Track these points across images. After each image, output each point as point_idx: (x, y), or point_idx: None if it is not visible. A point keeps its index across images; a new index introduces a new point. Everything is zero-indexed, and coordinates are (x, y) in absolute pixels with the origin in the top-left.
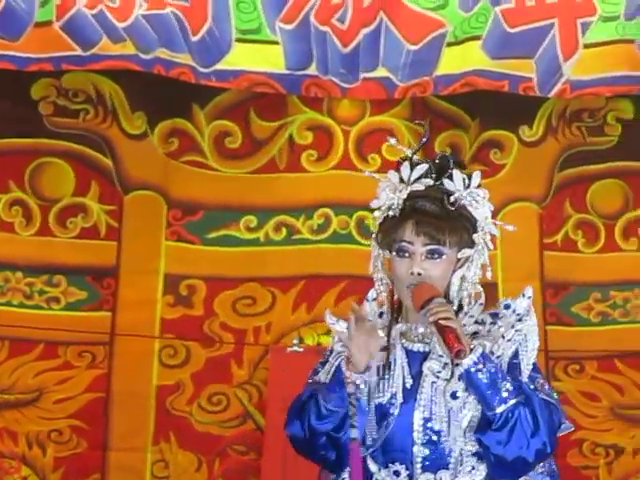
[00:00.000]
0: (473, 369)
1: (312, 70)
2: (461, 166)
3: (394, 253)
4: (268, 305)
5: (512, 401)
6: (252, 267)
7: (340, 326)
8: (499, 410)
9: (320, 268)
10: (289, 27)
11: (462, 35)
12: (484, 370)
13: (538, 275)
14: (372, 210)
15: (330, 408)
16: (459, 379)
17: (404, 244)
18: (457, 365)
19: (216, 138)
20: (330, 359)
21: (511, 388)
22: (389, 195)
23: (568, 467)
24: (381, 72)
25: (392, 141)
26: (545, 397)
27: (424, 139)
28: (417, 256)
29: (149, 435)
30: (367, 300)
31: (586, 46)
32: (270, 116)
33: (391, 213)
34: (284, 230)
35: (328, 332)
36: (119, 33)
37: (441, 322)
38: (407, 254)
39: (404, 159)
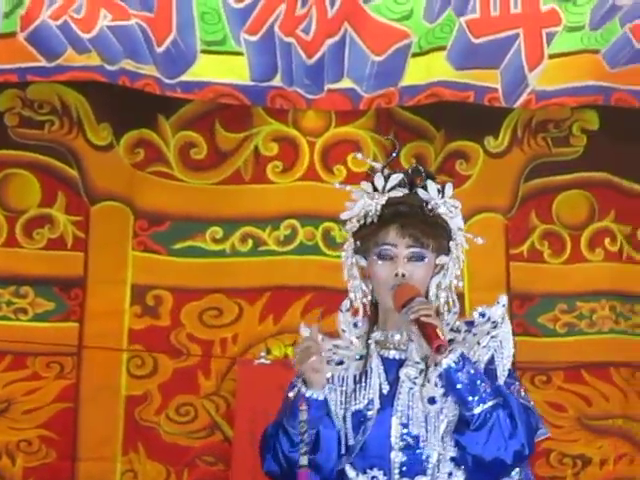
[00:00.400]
0: (453, 369)
1: (277, 81)
2: (432, 178)
3: (375, 257)
4: (235, 316)
5: (490, 402)
6: (218, 278)
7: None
8: (477, 411)
9: (286, 279)
10: (254, 38)
11: (427, 46)
12: (463, 370)
13: (504, 285)
14: (340, 221)
15: (302, 431)
16: (436, 384)
17: (387, 247)
18: (436, 365)
19: (181, 149)
20: None
21: (489, 389)
22: (366, 202)
23: (536, 477)
24: (346, 83)
25: (358, 156)
26: (522, 401)
27: (394, 153)
28: (400, 259)
29: (118, 445)
30: (341, 311)
31: (551, 56)
32: (235, 127)
33: (369, 220)
34: (250, 241)
35: (295, 343)
36: (84, 44)
37: (422, 319)
38: (390, 257)
39: (372, 170)
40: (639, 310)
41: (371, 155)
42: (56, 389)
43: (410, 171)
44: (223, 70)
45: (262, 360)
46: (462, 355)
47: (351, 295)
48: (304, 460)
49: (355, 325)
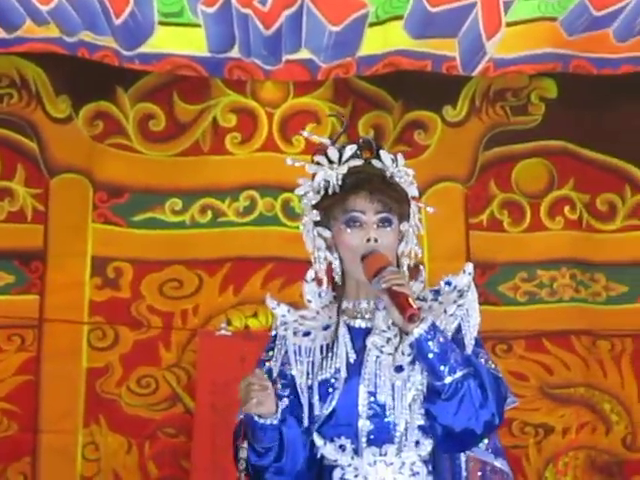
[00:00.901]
0: (424, 337)
1: (235, 53)
2: (381, 147)
3: (342, 226)
4: (195, 288)
5: (461, 372)
6: (178, 250)
7: (281, 309)
8: (448, 380)
9: (246, 250)
10: (211, 10)
11: (384, 15)
12: (435, 339)
13: (464, 255)
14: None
15: (265, 446)
16: (403, 353)
17: (356, 214)
18: (407, 334)
19: (140, 121)
20: (277, 345)
21: (460, 359)
22: (327, 172)
23: None
24: (304, 54)
25: (305, 134)
26: (492, 370)
27: (342, 129)
28: (370, 225)
29: (79, 417)
30: (306, 281)
31: (509, 24)
32: (193, 99)
33: (331, 190)
34: (210, 213)
35: (255, 314)
36: (42, 16)
37: (394, 288)
38: (359, 224)
39: (322, 146)
40: (599, 278)
41: (329, 125)
42: (17, 362)
43: (361, 142)
44: (181, 42)
45: (223, 331)
46: (433, 324)
47: (315, 266)
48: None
49: (319, 295)
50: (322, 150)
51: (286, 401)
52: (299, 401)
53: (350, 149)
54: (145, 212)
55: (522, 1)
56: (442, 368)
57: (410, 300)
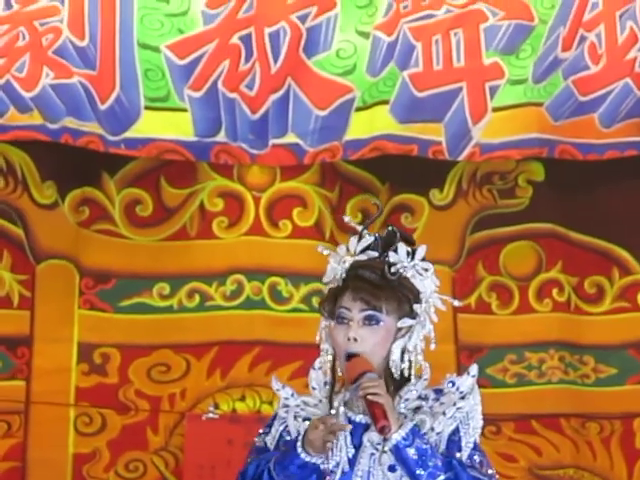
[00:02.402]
0: (402, 444)
1: (221, 137)
2: (408, 241)
3: (334, 321)
4: (182, 372)
5: (441, 477)
6: (165, 334)
7: (285, 392)
8: None
9: (233, 334)
10: (197, 94)
11: (370, 100)
12: (413, 446)
13: (452, 338)
14: (285, 276)
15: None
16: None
17: (343, 310)
18: (385, 440)
19: (127, 206)
20: (275, 424)
21: (440, 464)
22: (334, 266)
23: None
24: (290, 138)
25: (346, 219)
26: (477, 474)
27: (375, 215)
28: (354, 322)
29: None
30: (314, 369)
31: (495, 109)
32: (180, 183)
33: (335, 284)
34: (197, 297)
35: (243, 398)
36: (26, 103)
37: (369, 397)
38: (345, 320)
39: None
40: (588, 360)
41: (316, 210)
42: (3, 448)
43: (385, 233)
44: (167, 126)
45: (210, 414)
46: (412, 430)
47: (321, 356)
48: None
49: (326, 384)
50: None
51: None
52: None
53: (366, 241)
54: (132, 297)
55: (508, 86)
56: (421, 473)
57: (383, 411)
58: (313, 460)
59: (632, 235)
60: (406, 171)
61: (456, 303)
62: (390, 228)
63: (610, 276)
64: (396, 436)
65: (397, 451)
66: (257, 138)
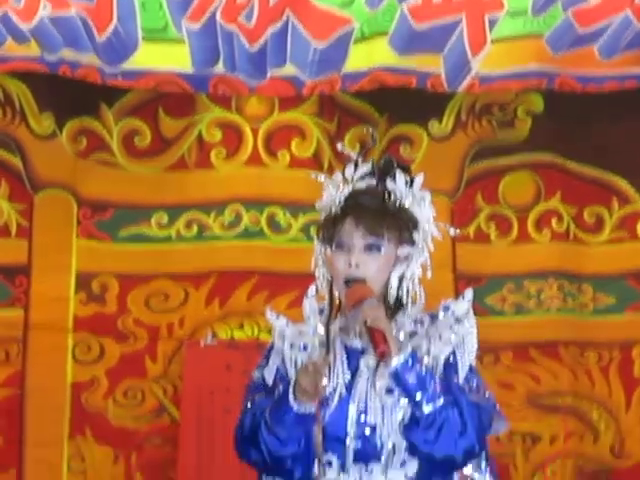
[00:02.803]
0: (401, 369)
1: (219, 68)
2: (405, 170)
3: (334, 247)
4: (181, 301)
5: (440, 401)
6: (164, 264)
7: (280, 321)
8: (427, 410)
9: (232, 264)
10: (195, 26)
11: (369, 32)
12: (412, 370)
13: (450, 266)
14: (284, 206)
15: (287, 434)
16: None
17: (343, 238)
18: (385, 364)
19: (125, 137)
20: (272, 355)
21: (439, 389)
22: (331, 193)
23: None
24: (289, 70)
25: (340, 146)
26: (475, 399)
27: (370, 143)
28: (355, 249)
29: (65, 430)
30: (307, 296)
31: (494, 41)
32: (178, 114)
33: (333, 210)
34: (195, 227)
35: (241, 326)
36: (23, 34)
37: (370, 323)
38: (345, 248)
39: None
40: (587, 289)
41: (314, 140)
42: (2, 376)
43: (382, 161)
44: (165, 58)
45: (209, 341)
46: (411, 355)
47: (317, 282)
48: None
49: (321, 312)
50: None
51: None
52: None
53: (364, 168)
54: (130, 227)
55: (507, 18)
56: (420, 398)
57: (383, 336)
58: (305, 410)
59: (631, 165)
60: (405, 103)
61: (452, 231)
62: (387, 156)
63: (609, 206)
64: (395, 361)
65: (396, 376)
66: (255, 69)
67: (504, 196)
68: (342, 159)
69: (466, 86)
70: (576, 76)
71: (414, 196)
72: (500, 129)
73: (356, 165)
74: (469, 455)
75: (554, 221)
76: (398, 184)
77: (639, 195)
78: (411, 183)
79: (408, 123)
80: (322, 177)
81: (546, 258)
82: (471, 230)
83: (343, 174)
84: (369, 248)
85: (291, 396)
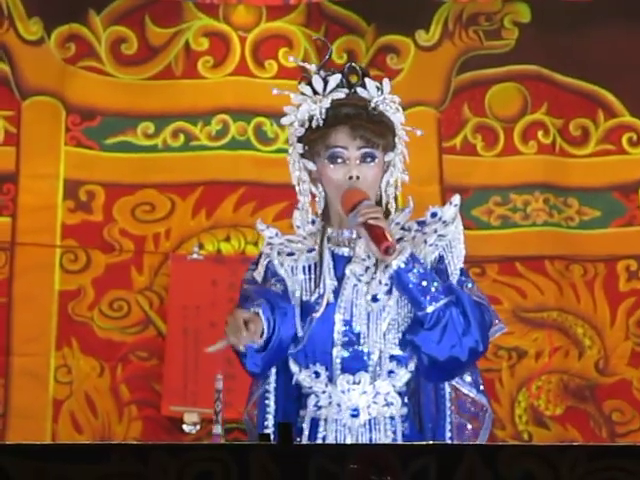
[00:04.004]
0: (403, 269)
1: None
2: (367, 75)
3: (326, 161)
4: (167, 211)
5: (443, 300)
6: (150, 173)
7: (270, 232)
8: (430, 309)
9: (219, 174)
10: None
11: None
12: (414, 270)
13: (437, 179)
14: (271, 116)
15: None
16: (380, 282)
17: (338, 149)
18: (386, 267)
19: (112, 44)
20: (261, 260)
21: (441, 288)
22: (310, 106)
23: None
24: None
25: (291, 58)
26: (475, 298)
27: (327, 56)
28: (352, 161)
29: (52, 340)
30: (297, 208)
31: None
32: (165, 22)
33: (315, 124)
34: (182, 136)
35: (228, 238)
36: None
37: (370, 222)
38: (341, 159)
39: (306, 72)
40: (572, 203)
41: (302, 50)
42: None
43: (346, 70)
44: None
45: (195, 255)
46: (411, 255)
47: (300, 198)
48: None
49: (313, 222)
50: (307, 78)
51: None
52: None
53: (334, 79)
54: (117, 135)
55: None
56: (423, 298)
57: (386, 233)
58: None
59: (618, 77)
60: (392, 12)
61: (419, 133)
62: (350, 65)
63: (595, 118)
64: (396, 262)
65: (398, 277)
66: None
67: (490, 107)
68: (329, 69)
69: None
70: None
71: (386, 101)
72: (487, 39)
73: (322, 77)
74: (474, 354)
75: (540, 133)
76: (370, 91)
77: (625, 108)
78: (381, 89)
79: (395, 33)
80: (286, 92)
81: (532, 171)
82: (458, 141)
83: (313, 87)
84: (365, 157)
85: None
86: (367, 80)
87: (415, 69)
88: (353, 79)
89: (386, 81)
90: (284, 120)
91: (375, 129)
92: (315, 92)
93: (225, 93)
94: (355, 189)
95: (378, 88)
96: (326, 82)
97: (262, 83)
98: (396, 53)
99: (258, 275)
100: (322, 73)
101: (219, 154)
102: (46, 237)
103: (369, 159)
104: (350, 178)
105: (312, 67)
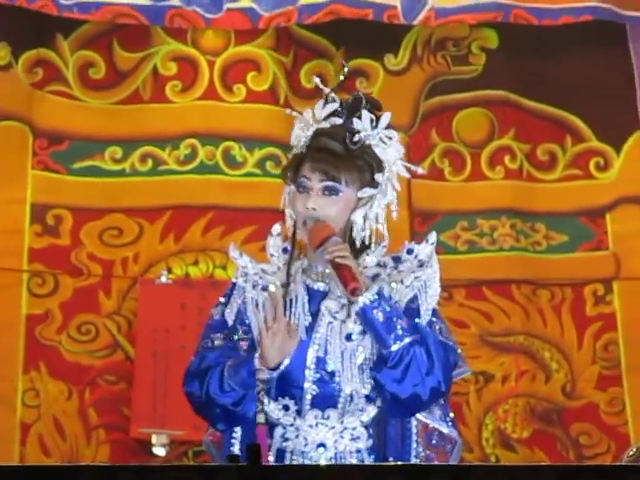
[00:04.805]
0: (369, 307)
1: (175, 1)
2: (375, 106)
3: (294, 188)
4: (135, 236)
5: (407, 339)
6: (118, 198)
7: (243, 260)
8: (394, 348)
9: (187, 198)
10: None
11: None
12: (380, 308)
13: (406, 203)
14: (239, 141)
15: (233, 386)
16: (355, 321)
17: (303, 179)
18: (352, 303)
19: (80, 68)
20: (234, 294)
21: (406, 326)
22: (297, 132)
23: None
24: (245, 2)
25: (316, 80)
26: (442, 339)
27: (342, 77)
28: (314, 192)
29: (19, 364)
30: (272, 235)
31: None
32: (134, 47)
33: (298, 150)
34: (150, 161)
35: (196, 262)
36: None
37: (337, 260)
38: (305, 189)
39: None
40: (540, 227)
41: (271, 74)
42: None
43: (351, 99)
44: None
45: (163, 279)
46: (378, 292)
47: (286, 221)
48: (262, 418)
49: (285, 250)
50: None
51: (245, 346)
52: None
53: (331, 107)
54: (85, 160)
55: None
56: (388, 336)
57: (354, 273)
58: (264, 375)
59: (585, 102)
60: (361, 36)
61: (420, 170)
62: (356, 94)
63: (563, 143)
64: (363, 299)
65: (364, 314)
66: (211, 2)
67: (458, 132)
68: (298, 93)
69: (422, 19)
70: (531, 9)
71: (379, 135)
72: (454, 64)
73: (326, 101)
74: (435, 394)
75: (507, 158)
76: (364, 123)
77: (593, 133)
78: (377, 122)
79: (364, 57)
80: (294, 113)
81: (499, 196)
82: (426, 166)
83: (313, 111)
84: (327, 191)
85: (256, 359)
86: (364, 112)
87: (384, 93)
88: (354, 109)
89: (386, 115)
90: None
91: (340, 164)
92: (314, 117)
93: (193, 117)
94: (323, 224)
95: (372, 121)
96: (324, 108)
97: (231, 107)
98: (365, 77)
99: (230, 313)
100: (331, 97)
101: (187, 178)
102: (13, 261)
103: (331, 192)
104: (307, 209)
105: (326, 90)
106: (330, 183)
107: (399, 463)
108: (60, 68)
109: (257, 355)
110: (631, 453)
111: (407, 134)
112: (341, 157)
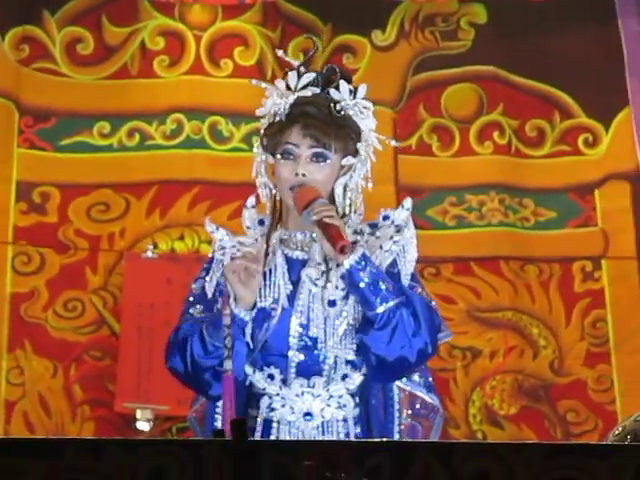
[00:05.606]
0: (355, 268)
1: None
2: (347, 79)
3: (279, 156)
4: (122, 211)
5: (393, 301)
6: (105, 173)
7: (220, 234)
8: (380, 310)
9: (173, 173)
10: None
11: None
12: (366, 270)
13: (392, 179)
14: (226, 115)
15: (217, 344)
16: (336, 287)
17: (290, 146)
18: (338, 265)
19: (67, 45)
20: (213, 268)
21: (392, 288)
22: (275, 101)
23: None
24: None
25: (280, 53)
26: (426, 300)
27: (311, 51)
28: (302, 158)
29: (3, 342)
30: (246, 207)
31: None
32: (121, 22)
33: (277, 118)
34: (137, 136)
35: (182, 237)
36: None
37: (325, 220)
38: (292, 156)
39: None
40: (528, 203)
41: (258, 49)
42: None
43: (325, 70)
44: None
45: (149, 254)
46: (364, 255)
47: (259, 192)
48: (228, 365)
49: (261, 222)
50: (286, 73)
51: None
52: None
53: (308, 77)
54: (72, 136)
55: None
56: (374, 298)
57: (341, 231)
58: (240, 313)
59: (574, 78)
60: (348, 11)
61: (394, 143)
62: (330, 66)
63: (551, 119)
64: (349, 260)
65: (350, 275)
66: None
67: (446, 108)
68: (285, 68)
69: None
70: None
71: (358, 106)
72: (443, 40)
73: (299, 74)
74: (422, 356)
75: (496, 134)
76: (342, 93)
77: (581, 109)
78: (355, 93)
79: (351, 33)
80: (264, 84)
81: (487, 171)
82: (413, 142)
83: (286, 82)
84: (316, 157)
85: (232, 300)
86: (342, 82)
87: (371, 69)
88: (329, 80)
89: (362, 86)
90: (258, 111)
91: (330, 131)
92: (288, 87)
93: (180, 92)
94: (309, 187)
95: (351, 92)
96: (300, 79)
97: (217, 82)
98: (352, 53)
99: (209, 286)
100: (302, 69)
101: (174, 153)
102: None
103: (320, 159)
104: (296, 175)
105: (295, 64)
106: (320, 149)
107: (385, 440)
108: (47, 45)
109: (230, 301)
110: (617, 432)
111: (394, 110)
112: (330, 124)
